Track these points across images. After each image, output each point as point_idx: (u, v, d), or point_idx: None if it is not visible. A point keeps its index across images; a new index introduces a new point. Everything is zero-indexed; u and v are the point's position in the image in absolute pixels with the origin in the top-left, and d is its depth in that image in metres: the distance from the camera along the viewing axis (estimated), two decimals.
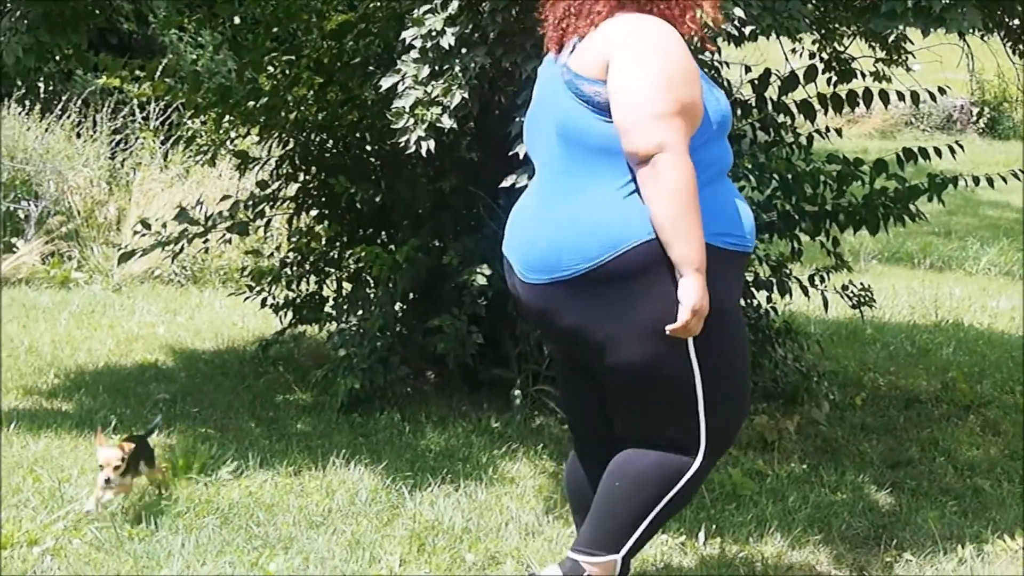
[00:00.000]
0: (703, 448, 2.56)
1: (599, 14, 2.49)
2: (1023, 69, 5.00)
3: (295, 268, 5.08)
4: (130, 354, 5.39)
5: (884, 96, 4.60)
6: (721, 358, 2.51)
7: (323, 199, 5.02)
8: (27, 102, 8.71)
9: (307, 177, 5.02)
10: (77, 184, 7.90)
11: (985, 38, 4.67)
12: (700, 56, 3.15)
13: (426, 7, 3.43)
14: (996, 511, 3.61)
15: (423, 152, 3.40)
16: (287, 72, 4.79)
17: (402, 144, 3.43)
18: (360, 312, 4.62)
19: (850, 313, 5.58)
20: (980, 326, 6.63)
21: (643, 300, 2.42)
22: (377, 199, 4.70)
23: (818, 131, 4.77)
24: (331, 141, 4.99)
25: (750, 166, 4.48)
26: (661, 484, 2.57)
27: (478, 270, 4.30)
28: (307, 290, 5.12)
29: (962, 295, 7.54)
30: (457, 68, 3.43)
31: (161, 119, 8.62)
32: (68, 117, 8.58)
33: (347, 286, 4.99)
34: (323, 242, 5.06)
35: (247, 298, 5.20)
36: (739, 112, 4.58)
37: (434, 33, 3.40)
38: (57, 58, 5.18)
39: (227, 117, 4.84)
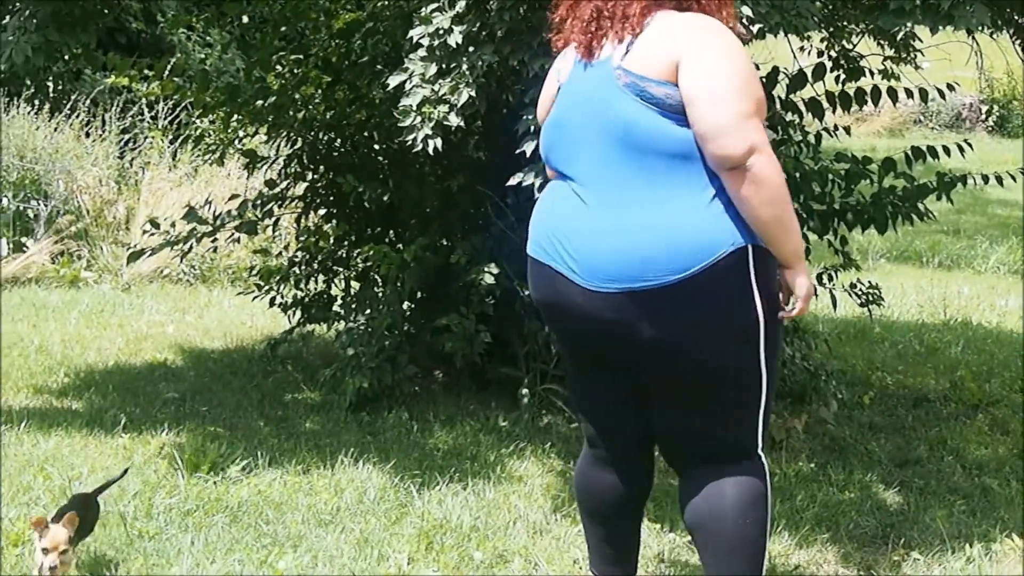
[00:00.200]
0: (760, 445, 2.52)
1: (636, 15, 2.41)
2: None
3: (303, 267, 5.09)
4: (139, 353, 5.41)
5: (892, 94, 4.60)
6: (775, 357, 2.51)
7: (331, 198, 5.03)
8: (36, 101, 8.74)
9: (315, 176, 5.04)
10: (86, 183, 7.93)
11: (994, 36, 4.65)
12: None
13: (434, 5, 3.43)
14: (1004, 510, 3.60)
15: (430, 150, 3.39)
16: (295, 71, 4.80)
17: (409, 142, 3.43)
18: (368, 311, 4.62)
19: (858, 312, 5.57)
20: (989, 325, 6.61)
21: (727, 305, 2.39)
22: (385, 198, 4.71)
23: (826, 129, 4.75)
24: (339, 140, 5.00)
25: None
26: (756, 497, 2.51)
27: (486, 269, 4.31)
28: (315, 289, 5.14)
29: (971, 294, 7.52)
30: (464, 66, 3.42)
31: (170, 118, 8.64)
32: (77, 116, 8.60)
33: (355, 285, 5.00)
34: (331, 241, 5.07)
35: (256, 297, 5.21)
36: None
37: (441, 31, 3.40)
38: (66, 57, 5.21)
39: (235, 116, 4.86)
